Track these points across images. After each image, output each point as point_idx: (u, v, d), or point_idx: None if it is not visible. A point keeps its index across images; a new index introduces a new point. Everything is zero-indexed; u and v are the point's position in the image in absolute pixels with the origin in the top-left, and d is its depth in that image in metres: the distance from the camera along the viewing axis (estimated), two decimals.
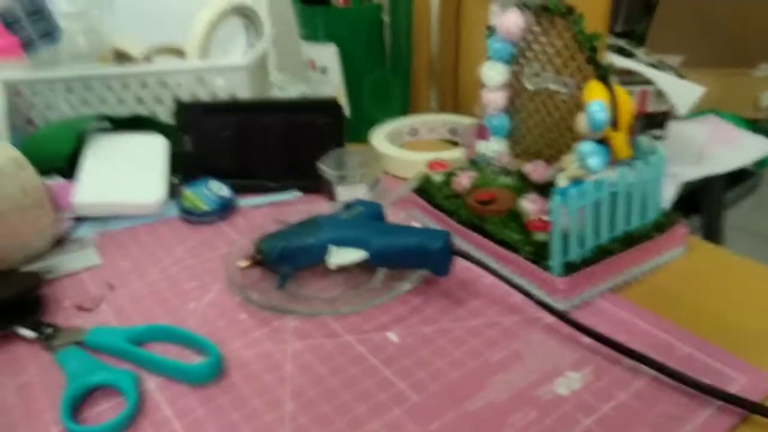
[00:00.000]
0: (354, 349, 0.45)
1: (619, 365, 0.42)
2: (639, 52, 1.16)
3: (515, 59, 0.57)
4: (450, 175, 0.60)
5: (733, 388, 0.39)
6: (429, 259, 0.49)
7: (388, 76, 0.82)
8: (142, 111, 0.77)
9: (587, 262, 0.48)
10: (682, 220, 0.53)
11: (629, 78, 0.99)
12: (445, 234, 0.49)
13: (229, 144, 0.70)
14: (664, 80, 0.86)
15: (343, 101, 0.80)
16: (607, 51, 1.01)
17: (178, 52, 0.87)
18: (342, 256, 0.49)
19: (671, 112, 1.01)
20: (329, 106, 0.69)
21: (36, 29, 0.81)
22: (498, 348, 0.44)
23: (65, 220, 0.63)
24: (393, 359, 0.44)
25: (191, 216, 0.64)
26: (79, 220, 0.65)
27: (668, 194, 0.54)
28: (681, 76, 1.04)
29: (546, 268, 0.47)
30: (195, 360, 0.45)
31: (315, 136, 0.68)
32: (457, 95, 0.90)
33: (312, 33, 0.79)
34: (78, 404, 0.42)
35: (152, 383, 0.43)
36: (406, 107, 0.87)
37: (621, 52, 1.11)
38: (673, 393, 0.39)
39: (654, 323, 0.45)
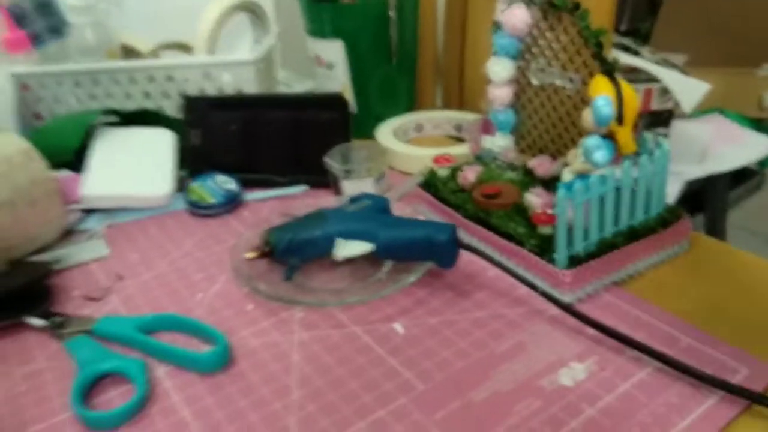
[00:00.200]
0: (360, 339, 0.46)
1: (622, 356, 0.42)
2: (643, 50, 1.16)
3: (521, 55, 0.58)
4: (455, 170, 0.61)
5: (735, 379, 0.39)
6: (435, 251, 0.49)
7: (394, 72, 0.82)
8: (149, 105, 0.77)
9: (592, 255, 0.48)
10: (686, 215, 0.53)
11: (634, 76, 1.00)
12: (451, 227, 0.49)
13: (236, 138, 0.71)
14: (670, 77, 0.86)
15: (350, 97, 0.80)
16: (612, 48, 1.01)
17: (185, 48, 0.88)
18: (349, 248, 0.50)
19: (675, 110, 1.02)
20: (336, 101, 0.69)
21: (44, 23, 0.82)
22: (503, 339, 0.45)
23: (74, 211, 0.63)
24: (399, 349, 0.44)
25: (198, 209, 0.65)
26: (88, 212, 0.66)
27: (672, 192, 0.55)
28: (685, 74, 1.04)
29: (551, 261, 0.48)
30: (203, 349, 0.45)
31: (321, 132, 0.69)
32: (462, 92, 0.91)
33: (319, 29, 0.80)
34: (88, 391, 0.42)
35: (161, 371, 0.44)
36: (411, 103, 0.87)
37: (626, 50, 1.12)
38: (675, 383, 0.40)
39: (657, 316, 0.46)
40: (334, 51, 0.79)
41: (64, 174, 0.66)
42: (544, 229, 0.50)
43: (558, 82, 0.55)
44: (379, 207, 0.55)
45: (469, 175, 0.58)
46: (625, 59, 1.01)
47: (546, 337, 0.45)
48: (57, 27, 0.81)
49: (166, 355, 0.44)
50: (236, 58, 0.76)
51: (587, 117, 0.49)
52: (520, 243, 0.50)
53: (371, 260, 0.52)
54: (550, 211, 0.50)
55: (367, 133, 0.78)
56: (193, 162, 0.70)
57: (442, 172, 0.61)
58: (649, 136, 0.52)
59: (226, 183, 0.66)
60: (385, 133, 0.77)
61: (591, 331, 0.44)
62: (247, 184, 0.68)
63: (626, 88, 0.49)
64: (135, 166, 0.66)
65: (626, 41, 1.18)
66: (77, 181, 0.65)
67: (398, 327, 0.47)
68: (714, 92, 1.00)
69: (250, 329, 0.47)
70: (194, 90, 0.76)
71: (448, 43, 0.90)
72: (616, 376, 0.41)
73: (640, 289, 0.49)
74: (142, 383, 0.41)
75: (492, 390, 0.40)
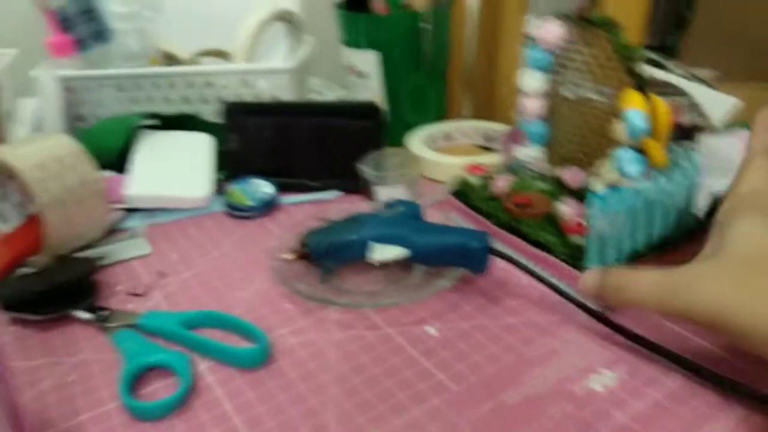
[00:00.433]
0: (394, 340, 0.47)
1: (653, 365, 0.43)
2: (670, 64, 1.16)
3: (553, 68, 0.59)
4: (487, 179, 0.62)
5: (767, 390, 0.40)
6: (468, 257, 0.50)
7: (425, 81, 0.84)
8: (187, 110, 0.80)
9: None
10: None
11: (661, 90, 1.00)
12: (484, 234, 0.51)
13: (272, 143, 0.73)
14: (698, 92, 0.86)
15: (383, 106, 0.82)
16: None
17: (223, 55, 0.90)
18: (384, 252, 0.51)
19: (703, 124, 1.02)
20: (370, 110, 0.71)
21: (88, 29, 0.85)
22: (534, 345, 0.46)
23: (117, 211, 0.66)
24: (432, 351, 0.46)
25: (236, 211, 0.67)
26: (130, 211, 0.68)
27: (701, 205, 0.56)
28: (714, 89, 1.04)
29: (582, 269, 0.49)
30: (244, 345, 0.47)
31: (355, 139, 0.70)
32: (492, 103, 0.92)
33: (354, 39, 0.82)
34: (134, 382, 0.44)
35: (204, 366, 0.46)
36: (441, 113, 0.89)
37: (653, 64, 1.12)
38: (705, 393, 0.40)
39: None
40: (368, 61, 0.81)
41: (108, 174, 0.68)
42: (576, 239, 0.51)
43: (591, 96, 0.56)
44: (412, 213, 0.56)
45: (501, 183, 0.60)
46: (654, 73, 1.01)
47: (577, 344, 0.46)
48: (101, 33, 0.84)
49: (209, 350, 0.46)
50: (273, 66, 0.79)
51: (620, 129, 0.50)
52: (551, 251, 0.51)
53: (404, 264, 0.53)
54: (581, 221, 0.51)
55: (397, 141, 0.80)
56: (231, 165, 0.72)
57: (474, 180, 0.62)
58: (680, 149, 0.53)
59: (263, 187, 0.68)
60: (416, 141, 0.79)
61: (621, 339, 0.45)
62: (282, 188, 0.70)
63: (659, 102, 0.50)
64: (176, 168, 0.69)
65: (654, 56, 1.18)
66: (120, 181, 0.68)
67: (431, 330, 0.48)
68: (742, 107, 1.00)
69: (287, 327, 0.49)
70: (231, 96, 0.78)
71: (478, 53, 0.91)
72: (646, 383, 0.42)
73: None
74: (186, 376, 0.43)
75: (524, 393, 0.41)
